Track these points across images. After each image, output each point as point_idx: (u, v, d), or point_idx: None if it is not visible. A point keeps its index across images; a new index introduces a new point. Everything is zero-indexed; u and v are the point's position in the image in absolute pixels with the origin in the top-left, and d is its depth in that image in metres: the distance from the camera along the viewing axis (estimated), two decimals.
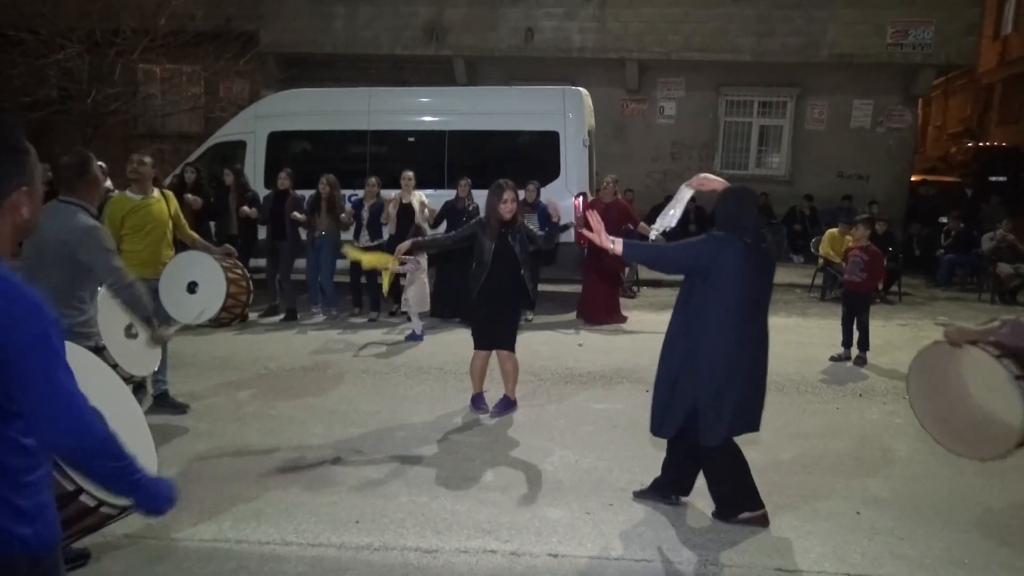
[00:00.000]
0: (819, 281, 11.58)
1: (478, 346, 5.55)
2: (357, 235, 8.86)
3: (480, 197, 6.55)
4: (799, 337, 8.45)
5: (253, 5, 14.96)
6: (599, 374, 6.75)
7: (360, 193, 9.01)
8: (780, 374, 6.84)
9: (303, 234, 8.82)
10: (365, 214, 8.84)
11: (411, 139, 10.39)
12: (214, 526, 3.80)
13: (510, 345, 5.50)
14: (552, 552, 3.60)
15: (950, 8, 13.66)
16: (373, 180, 8.93)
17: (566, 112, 9.82)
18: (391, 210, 8.65)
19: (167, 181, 8.86)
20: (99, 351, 3.63)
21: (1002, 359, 3.34)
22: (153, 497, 1.90)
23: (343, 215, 8.79)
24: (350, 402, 5.83)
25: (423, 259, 7.81)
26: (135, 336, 4.21)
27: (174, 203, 5.47)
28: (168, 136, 16.07)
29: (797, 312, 10.22)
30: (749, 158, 15.47)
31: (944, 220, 13.00)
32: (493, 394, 5.78)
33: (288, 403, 5.75)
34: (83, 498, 2.28)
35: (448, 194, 9.10)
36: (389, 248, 7.91)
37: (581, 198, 9.60)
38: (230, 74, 14.96)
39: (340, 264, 8.78)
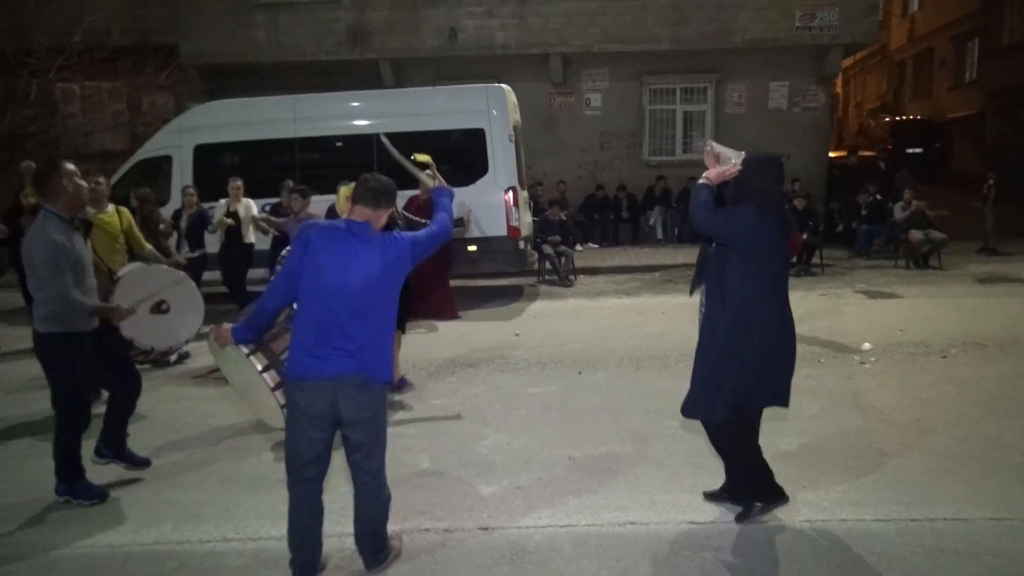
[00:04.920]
0: None
1: None
2: (177, 247, 8.25)
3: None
4: None
5: (171, 18, 14.76)
6: (534, 360, 6.98)
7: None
8: None
9: None
10: (184, 223, 8.37)
11: (339, 144, 10.46)
12: (155, 530, 3.90)
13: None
14: (483, 526, 3.82)
15: None
16: (191, 189, 8.60)
17: (490, 109, 10.03)
18: (222, 217, 8.25)
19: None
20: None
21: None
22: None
23: (162, 227, 7.82)
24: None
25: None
26: (165, 311, 4.54)
27: (127, 217, 5.81)
28: (93, 155, 15.63)
29: None
30: (675, 144, 15.92)
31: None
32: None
33: (226, 410, 5.83)
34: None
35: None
36: (202, 261, 8.11)
37: (511, 192, 9.87)
38: (152, 89, 14.74)
39: None
